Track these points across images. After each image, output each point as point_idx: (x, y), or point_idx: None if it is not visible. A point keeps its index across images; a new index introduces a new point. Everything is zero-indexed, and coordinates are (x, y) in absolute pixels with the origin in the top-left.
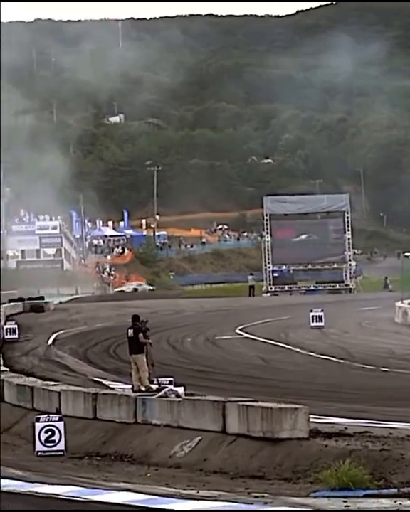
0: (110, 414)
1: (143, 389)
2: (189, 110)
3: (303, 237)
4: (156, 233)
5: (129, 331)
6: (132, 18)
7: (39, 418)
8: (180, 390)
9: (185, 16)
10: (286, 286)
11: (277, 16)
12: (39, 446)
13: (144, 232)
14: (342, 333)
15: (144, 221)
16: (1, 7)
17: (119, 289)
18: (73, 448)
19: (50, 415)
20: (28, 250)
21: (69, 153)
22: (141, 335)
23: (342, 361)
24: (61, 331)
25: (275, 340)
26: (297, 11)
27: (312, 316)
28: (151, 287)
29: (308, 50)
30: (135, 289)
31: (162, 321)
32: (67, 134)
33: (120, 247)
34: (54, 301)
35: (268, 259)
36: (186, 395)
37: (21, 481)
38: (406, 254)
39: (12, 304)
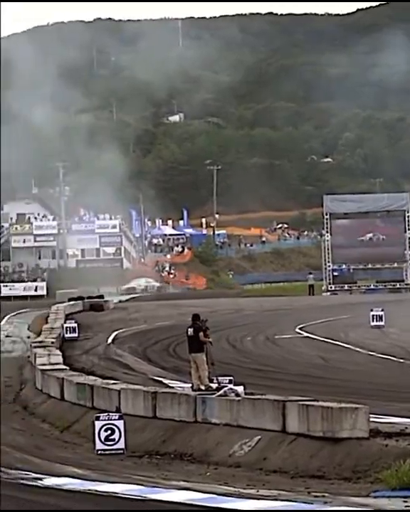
0: (170, 413)
1: (203, 388)
2: (249, 109)
3: (369, 235)
4: (216, 232)
5: (189, 329)
6: (191, 17)
7: (99, 417)
8: (240, 389)
9: (245, 14)
10: (346, 285)
11: (337, 15)
12: (99, 445)
13: (204, 231)
14: (402, 332)
15: (203, 220)
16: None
17: (129, 285)
18: (133, 446)
19: (110, 414)
20: (88, 249)
21: (128, 152)
22: (201, 334)
23: (402, 361)
24: (121, 330)
25: (335, 340)
26: (357, 10)
27: (372, 315)
28: (159, 284)
29: (367, 49)
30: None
31: (222, 320)
32: (126, 133)
33: (180, 246)
34: (114, 300)
35: (328, 258)
36: (245, 394)
37: (81, 479)
38: None
39: (72, 302)
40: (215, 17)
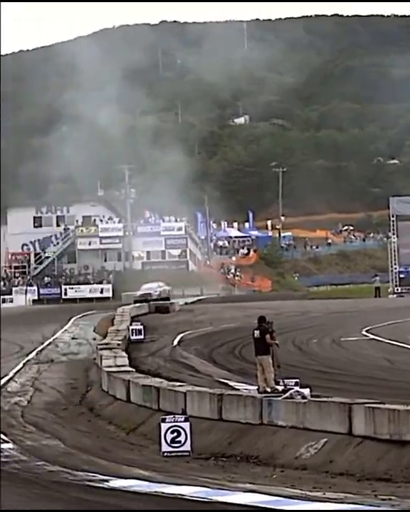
0: (236, 415)
1: (268, 390)
2: (314, 111)
3: None
4: (282, 234)
5: (256, 332)
6: (257, 19)
7: (165, 419)
8: (306, 391)
9: (310, 16)
10: None
11: (403, 16)
12: (165, 447)
13: (270, 233)
14: None
15: (269, 222)
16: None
17: (143, 292)
18: (199, 448)
19: (176, 416)
20: (154, 251)
21: (194, 154)
22: (267, 336)
23: None
24: (187, 332)
25: (401, 342)
26: None
27: None
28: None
29: None
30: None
31: (288, 323)
32: (191, 134)
33: (245, 248)
34: (179, 302)
35: (395, 260)
36: (311, 396)
37: (148, 481)
38: None
39: (138, 305)
40: (280, 19)
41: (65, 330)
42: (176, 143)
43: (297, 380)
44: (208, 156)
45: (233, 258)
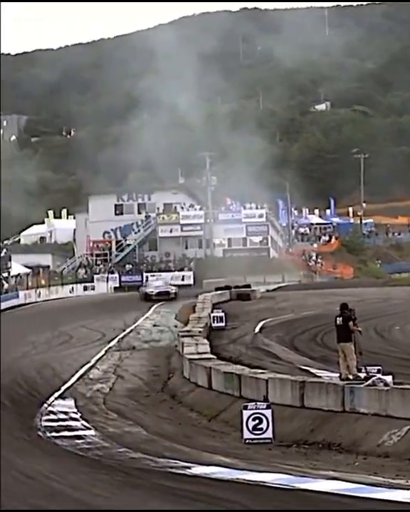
0: (318, 403)
1: (351, 377)
2: (396, 97)
3: None
4: (363, 221)
5: (338, 319)
6: (338, 5)
7: (247, 406)
8: (388, 378)
9: (390, 1)
10: None
11: None
12: (247, 434)
13: (351, 220)
14: None
15: (350, 209)
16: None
17: (157, 290)
18: (281, 436)
19: (258, 403)
20: (235, 238)
21: (275, 141)
22: (350, 323)
23: None
24: (268, 319)
25: None
26: None
27: None
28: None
29: None
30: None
31: (370, 309)
32: (272, 121)
33: (327, 235)
34: (261, 290)
35: None
36: (394, 383)
37: (229, 468)
38: None
39: (219, 292)
40: (361, 4)
41: (147, 317)
42: (258, 130)
43: (380, 368)
44: (290, 143)
45: (315, 245)
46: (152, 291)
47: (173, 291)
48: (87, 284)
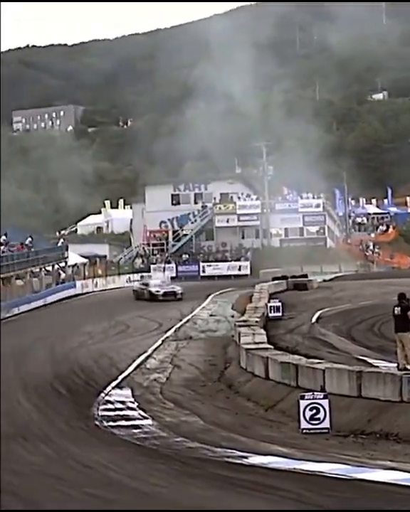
0: (375, 393)
1: (409, 367)
2: None
3: None
4: None
5: (396, 309)
6: None
7: (304, 396)
8: None
9: None
10: None
11: None
12: (304, 424)
13: (408, 210)
14: None
15: (408, 198)
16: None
17: (163, 290)
18: (338, 426)
19: (315, 393)
20: (291, 228)
21: (332, 131)
22: (408, 313)
23: None
24: (325, 309)
25: None
26: None
27: None
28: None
29: None
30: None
31: None
32: (329, 111)
33: (384, 225)
34: (317, 279)
35: None
36: None
37: (286, 458)
38: None
39: (276, 282)
40: None
41: (203, 307)
42: (315, 119)
43: None
44: (346, 132)
45: (372, 235)
46: (158, 291)
47: (180, 291)
48: (144, 274)
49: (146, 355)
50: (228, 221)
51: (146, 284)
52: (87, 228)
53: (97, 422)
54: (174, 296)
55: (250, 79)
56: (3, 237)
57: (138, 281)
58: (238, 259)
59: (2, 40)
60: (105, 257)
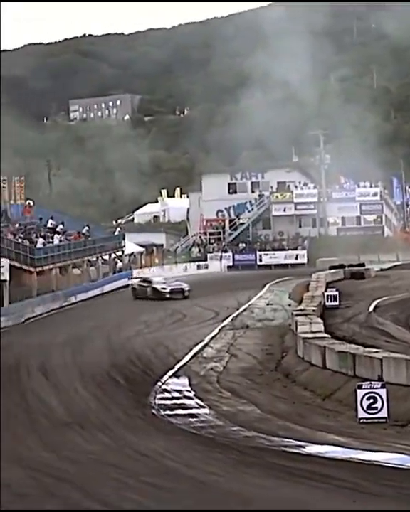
0: None
1: None
2: None
3: None
4: None
5: None
6: None
7: (361, 385)
8: None
9: None
10: None
11: None
12: (361, 413)
13: None
14: None
15: None
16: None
17: (170, 287)
18: (396, 415)
19: (373, 382)
20: (349, 217)
21: (390, 119)
22: None
23: None
24: (382, 298)
25: None
26: None
27: None
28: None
29: None
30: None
31: None
32: (387, 99)
33: None
34: (375, 268)
35: None
36: None
37: (343, 447)
38: None
39: (333, 271)
40: None
41: (260, 296)
42: (372, 108)
43: None
44: (404, 120)
45: None
46: (165, 288)
47: (187, 288)
48: (201, 263)
49: (203, 344)
50: (285, 210)
51: (149, 281)
52: (144, 217)
53: (154, 411)
54: (181, 294)
55: (307, 67)
56: (61, 226)
57: (136, 278)
58: (295, 248)
59: (54, 32)
60: (162, 246)
